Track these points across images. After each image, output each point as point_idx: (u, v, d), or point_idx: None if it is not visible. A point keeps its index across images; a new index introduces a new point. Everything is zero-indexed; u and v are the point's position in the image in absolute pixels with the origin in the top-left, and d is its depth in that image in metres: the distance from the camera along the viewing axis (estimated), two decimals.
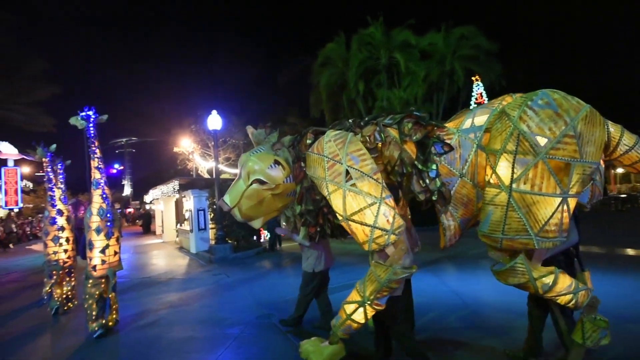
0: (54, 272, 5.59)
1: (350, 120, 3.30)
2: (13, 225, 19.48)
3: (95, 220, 4.55)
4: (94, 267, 4.54)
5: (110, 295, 4.72)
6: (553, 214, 2.46)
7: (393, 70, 17.72)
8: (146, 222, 23.60)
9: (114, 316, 4.79)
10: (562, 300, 2.72)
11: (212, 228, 11.99)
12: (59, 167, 5.86)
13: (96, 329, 4.47)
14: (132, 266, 10.14)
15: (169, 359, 3.85)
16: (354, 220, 2.81)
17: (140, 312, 5.50)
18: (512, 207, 2.52)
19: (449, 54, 17.13)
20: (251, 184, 3.18)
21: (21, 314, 5.84)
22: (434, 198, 2.83)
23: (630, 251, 7.94)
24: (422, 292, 5.15)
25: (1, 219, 20.90)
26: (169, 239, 16.95)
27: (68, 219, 5.76)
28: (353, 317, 2.96)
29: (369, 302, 2.87)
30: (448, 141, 2.89)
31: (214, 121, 11.54)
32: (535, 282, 2.64)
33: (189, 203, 12.63)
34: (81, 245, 6.53)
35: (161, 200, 18.19)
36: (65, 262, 5.69)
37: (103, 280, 4.62)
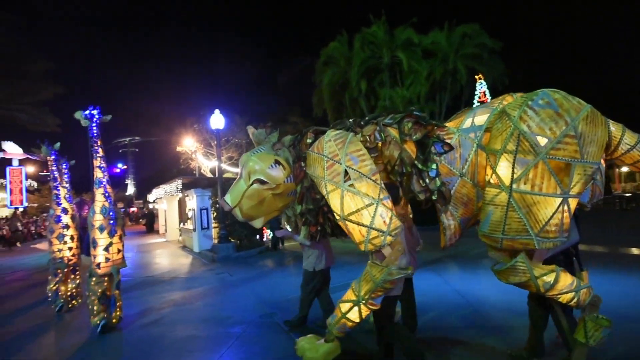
0: (59, 269, 5.66)
1: (350, 120, 3.31)
2: (18, 224, 19.67)
3: (98, 219, 4.59)
4: (98, 264, 4.60)
5: (114, 293, 4.77)
6: (553, 214, 2.46)
7: (396, 69, 17.67)
8: (149, 221, 23.74)
9: (118, 313, 4.83)
10: (563, 298, 2.71)
11: (215, 227, 12.04)
12: (64, 166, 5.92)
13: (98, 322, 4.54)
14: (135, 265, 10.22)
15: (172, 357, 3.88)
16: (351, 221, 2.82)
17: (144, 311, 5.55)
18: (513, 207, 2.52)
19: (452, 53, 17.08)
20: (252, 184, 3.19)
21: (26, 312, 5.91)
22: (434, 197, 2.83)
23: (634, 250, 7.89)
24: (424, 291, 5.16)
25: (6, 218, 21.10)
26: (172, 238, 17.03)
27: (73, 218, 5.81)
28: (348, 315, 2.97)
29: (363, 302, 2.89)
30: (448, 141, 2.89)
31: (217, 120, 11.57)
32: (536, 281, 2.63)
33: (192, 202, 12.69)
34: (85, 243, 6.61)
35: (164, 199, 18.29)
36: (69, 260, 5.76)
37: (106, 278, 4.67)
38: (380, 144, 3.00)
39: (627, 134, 2.66)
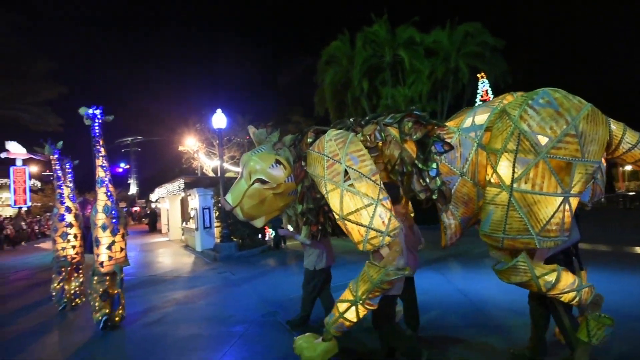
0: (63, 268, 5.71)
1: (351, 120, 3.32)
2: (23, 223, 19.80)
3: (100, 218, 4.63)
4: (101, 263, 4.64)
5: (116, 291, 4.81)
6: (554, 213, 2.46)
7: (397, 68, 17.64)
8: (152, 221, 23.84)
9: (120, 312, 4.87)
10: (565, 298, 2.71)
11: (217, 226, 12.08)
12: (68, 166, 5.97)
13: (100, 318, 4.59)
14: (138, 264, 10.27)
15: (174, 355, 3.90)
16: (350, 220, 2.82)
17: (147, 309, 5.58)
18: (513, 206, 2.52)
19: (454, 51, 17.00)
20: (253, 184, 3.20)
21: (30, 311, 5.95)
22: (434, 197, 2.84)
23: (638, 249, 7.86)
24: (426, 290, 5.16)
25: (10, 218, 21.23)
26: (175, 237, 17.10)
27: (76, 216, 5.86)
28: (345, 315, 2.99)
29: (361, 302, 2.90)
30: (448, 140, 2.89)
31: (219, 120, 11.58)
32: (537, 280, 2.63)
33: (194, 201, 12.73)
34: (88, 242, 6.68)
35: (167, 198, 18.35)
36: (73, 258, 5.81)
37: (107, 277, 4.71)
38: (380, 144, 3.01)
39: (628, 133, 2.66)
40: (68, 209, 5.76)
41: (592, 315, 2.74)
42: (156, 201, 23.04)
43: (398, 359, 3.27)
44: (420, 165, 2.84)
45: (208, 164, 24.51)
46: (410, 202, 3.66)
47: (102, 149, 4.72)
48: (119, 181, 47.53)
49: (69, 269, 5.77)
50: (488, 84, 17.89)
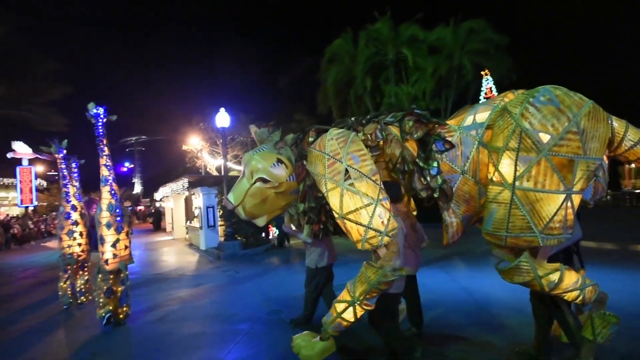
0: (69, 265, 5.78)
1: (352, 119, 3.32)
2: (29, 222, 20.00)
3: (105, 216, 4.69)
4: (106, 260, 4.70)
5: (121, 288, 4.86)
6: (557, 211, 2.45)
7: (401, 66, 17.54)
8: (156, 220, 23.95)
9: (125, 309, 4.92)
10: (569, 296, 2.70)
11: (221, 225, 12.12)
12: (74, 165, 6.04)
13: (103, 315, 4.65)
14: (143, 262, 10.34)
15: (179, 353, 3.93)
16: (349, 219, 2.83)
17: (151, 307, 5.63)
18: (516, 204, 2.52)
19: (458, 49, 16.87)
20: (255, 183, 3.22)
21: (36, 309, 6.01)
22: (435, 195, 2.84)
23: None
24: (430, 288, 5.16)
25: (17, 217, 21.46)
26: (179, 236, 17.19)
27: (82, 215, 5.93)
28: (343, 315, 3.00)
29: (358, 302, 2.92)
30: (449, 138, 2.89)
31: (222, 119, 11.61)
32: (540, 280, 2.63)
33: (198, 200, 12.79)
34: (93, 240, 6.76)
35: (171, 197, 18.44)
36: (79, 256, 5.88)
37: (112, 276, 4.77)
38: (381, 143, 3.01)
39: (631, 130, 2.64)
40: (74, 207, 5.83)
41: (597, 314, 2.73)
42: (160, 200, 23.19)
43: (400, 358, 3.28)
44: (421, 164, 2.84)
45: (212, 162, 24.62)
46: (412, 201, 3.66)
47: (105, 148, 4.77)
48: (124, 180, 47.83)
49: (74, 266, 5.85)
50: (492, 81, 17.79)
